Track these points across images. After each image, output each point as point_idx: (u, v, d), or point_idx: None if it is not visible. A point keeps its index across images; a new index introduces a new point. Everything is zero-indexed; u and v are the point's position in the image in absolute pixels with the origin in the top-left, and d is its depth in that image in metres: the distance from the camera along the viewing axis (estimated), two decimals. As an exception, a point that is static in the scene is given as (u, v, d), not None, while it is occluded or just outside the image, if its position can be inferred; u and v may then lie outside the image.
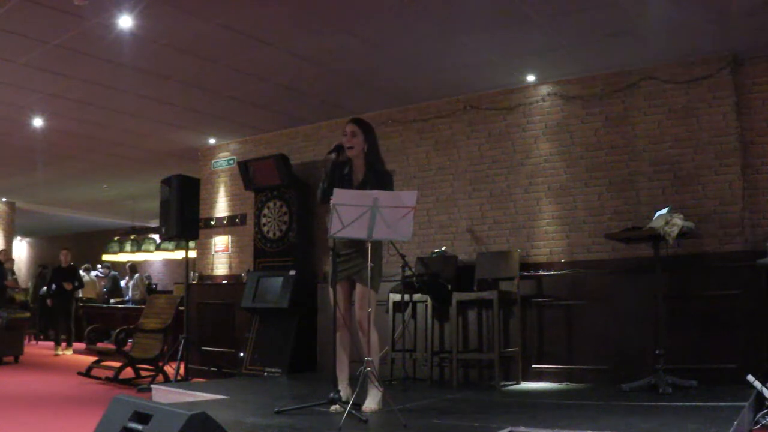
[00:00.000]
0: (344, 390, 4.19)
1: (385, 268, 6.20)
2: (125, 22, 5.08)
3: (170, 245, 12.78)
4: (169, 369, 7.17)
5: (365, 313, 4.14)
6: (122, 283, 14.38)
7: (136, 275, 13.42)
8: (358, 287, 4.22)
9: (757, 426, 4.21)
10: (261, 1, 4.86)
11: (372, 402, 4.08)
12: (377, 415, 3.96)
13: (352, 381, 4.19)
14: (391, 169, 4.49)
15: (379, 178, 4.25)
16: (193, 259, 8.78)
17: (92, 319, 12.02)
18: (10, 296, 11.47)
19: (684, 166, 5.77)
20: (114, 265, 15.06)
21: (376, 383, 4.10)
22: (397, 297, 6.15)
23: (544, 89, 6.48)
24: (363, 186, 4.23)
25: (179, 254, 12.04)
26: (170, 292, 12.21)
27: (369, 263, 4.00)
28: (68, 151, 9.25)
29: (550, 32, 5.33)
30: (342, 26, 5.30)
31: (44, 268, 14.57)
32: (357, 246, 4.17)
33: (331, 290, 4.25)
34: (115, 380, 7.30)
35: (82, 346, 10.48)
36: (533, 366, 6.10)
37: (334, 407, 3.97)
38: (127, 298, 13.48)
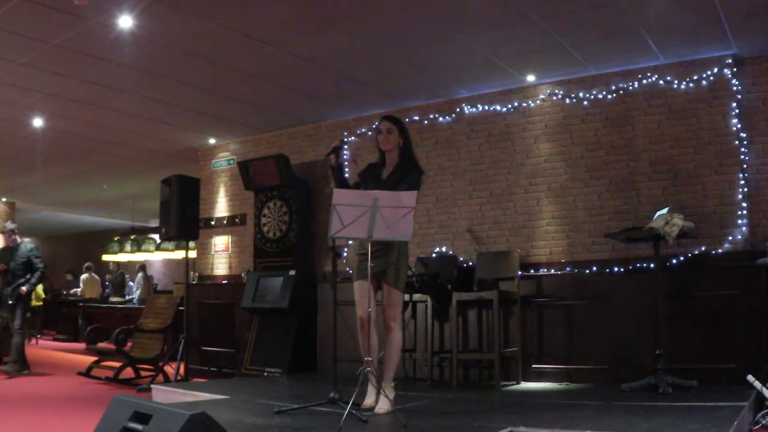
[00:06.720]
0: (372, 397, 4.16)
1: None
2: (125, 22, 5.08)
3: (170, 245, 12.77)
4: (169, 369, 7.17)
5: (391, 312, 4.19)
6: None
7: (140, 274, 13.40)
8: (385, 287, 4.22)
9: (757, 426, 4.20)
10: (261, 1, 4.86)
11: (385, 403, 4.06)
12: (377, 415, 3.96)
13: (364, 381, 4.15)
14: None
15: (407, 170, 4.29)
16: (193, 259, 8.78)
17: (92, 319, 12.02)
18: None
19: (684, 166, 5.77)
20: (119, 265, 15.01)
21: (374, 381, 4.10)
22: (397, 297, 6.13)
23: (544, 89, 6.48)
24: (392, 176, 4.29)
25: (179, 254, 12.03)
26: (170, 292, 12.21)
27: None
28: (68, 151, 9.25)
29: (550, 32, 5.33)
30: (342, 26, 5.29)
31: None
32: (382, 244, 4.14)
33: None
34: (115, 380, 7.31)
35: (82, 346, 10.48)
36: (533, 366, 6.10)
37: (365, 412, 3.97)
38: (128, 297, 13.46)
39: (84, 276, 14.14)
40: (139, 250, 13.93)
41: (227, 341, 8.16)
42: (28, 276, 7.95)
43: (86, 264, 14.33)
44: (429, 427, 3.77)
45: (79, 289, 14.17)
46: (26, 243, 8.27)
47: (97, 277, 14.39)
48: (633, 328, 5.63)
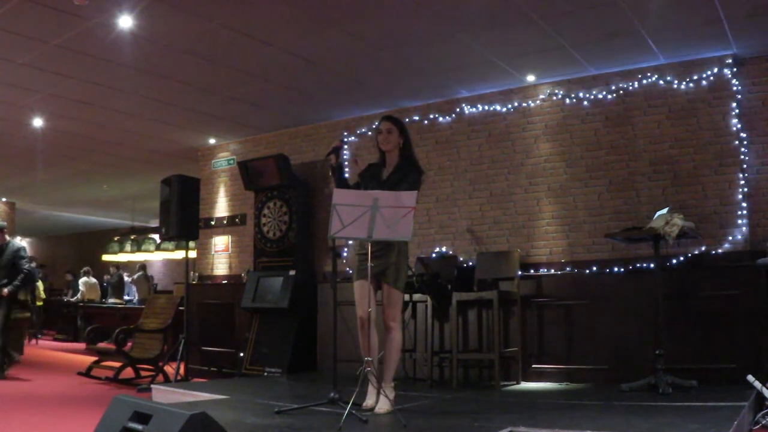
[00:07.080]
0: (372, 397, 4.14)
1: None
2: (125, 22, 5.08)
3: (170, 245, 12.77)
4: (169, 369, 7.17)
5: (391, 312, 4.19)
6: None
7: (138, 273, 13.38)
8: (385, 287, 4.22)
9: (757, 426, 4.21)
10: (261, 1, 4.86)
11: (385, 403, 4.05)
12: (377, 415, 3.96)
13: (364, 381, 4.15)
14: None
15: (407, 170, 4.29)
16: (193, 259, 8.78)
17: (92, 320, 12.03)
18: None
19: (684, 166, 5.77)
20: (118, 267, 15.01)
21: (374, 382, 4.10)
22: (397, 297, 6.13)
23: (544, 89, 6.48)
24: (392, 176, 4.30)
25: (179, 254, 12.03)
26: (170, 292, 12.20)
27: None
28: (68, 151, 9.25)
29: (550, 32, 5.33)
30: (342, 26, 5.30)
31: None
32: (382, 244, 4.13)
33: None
34: (115, 380, 7.31)
35: (82, 346, 10.48)
36: (533, 366, 6.10)
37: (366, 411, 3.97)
38: (127, 298, 13.44)
39: (83, 279, 14.12)
40: (139, 250, 13.93)
41: (227, 341, 8.16)
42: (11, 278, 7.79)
43: (84, 268, 14.31)
44: (429, 427, 3.77)
45: (79, 294, 14.14)
46: (14, 242, 8.13)
47: (94, 280, 14.37)
48: (633, 328, 5.63)
